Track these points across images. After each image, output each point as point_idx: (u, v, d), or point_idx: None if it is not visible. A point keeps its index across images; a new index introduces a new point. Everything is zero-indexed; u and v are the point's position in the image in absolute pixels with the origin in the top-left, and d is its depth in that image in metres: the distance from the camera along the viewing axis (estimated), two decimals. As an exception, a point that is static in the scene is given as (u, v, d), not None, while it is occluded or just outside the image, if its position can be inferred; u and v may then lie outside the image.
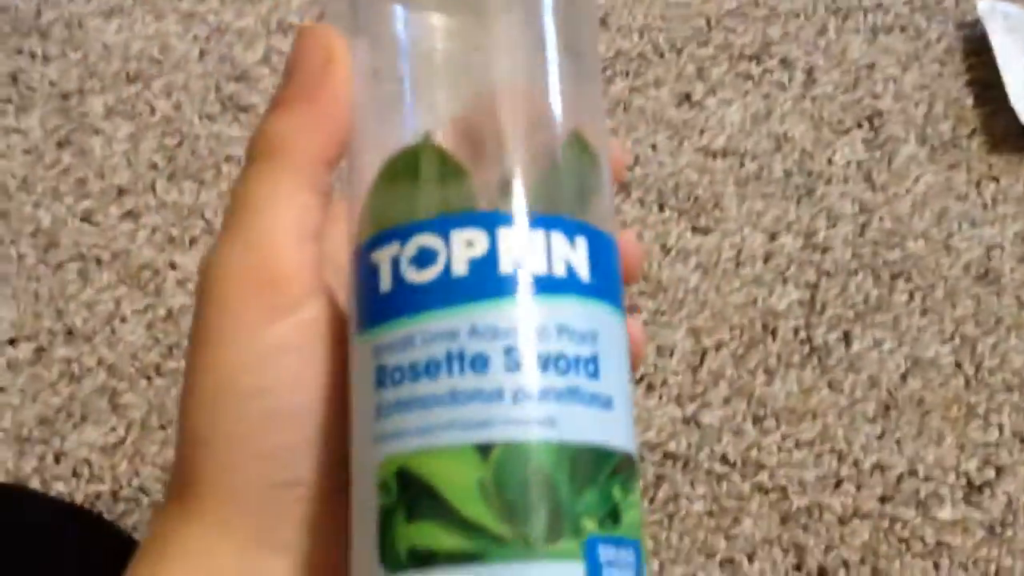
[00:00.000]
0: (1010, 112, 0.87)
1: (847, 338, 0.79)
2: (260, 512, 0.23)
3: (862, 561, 0.70)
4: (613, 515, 0.21)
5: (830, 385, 0.77)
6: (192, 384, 0.23)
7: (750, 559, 0.70)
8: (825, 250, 0.84)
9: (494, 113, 0.23)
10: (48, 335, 0.79)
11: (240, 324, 0.23)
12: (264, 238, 0.23)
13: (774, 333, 0.80)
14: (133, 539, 0.53)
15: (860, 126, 0.91)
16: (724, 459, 0.74)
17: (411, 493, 0.21)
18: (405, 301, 0.22)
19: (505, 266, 0.22)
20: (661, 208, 0.87)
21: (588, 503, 0.21)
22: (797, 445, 0.75)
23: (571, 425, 0.21)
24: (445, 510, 0.20)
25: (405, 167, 0.23)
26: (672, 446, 0.76)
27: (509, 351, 0.21)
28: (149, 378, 0.77)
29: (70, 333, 0.79)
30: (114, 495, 0.72)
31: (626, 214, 0.87)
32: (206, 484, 0.23)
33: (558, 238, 0.22)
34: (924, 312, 0.80)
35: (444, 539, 0.20)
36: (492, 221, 0.22)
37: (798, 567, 0.70)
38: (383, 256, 0.22)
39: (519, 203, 0.22)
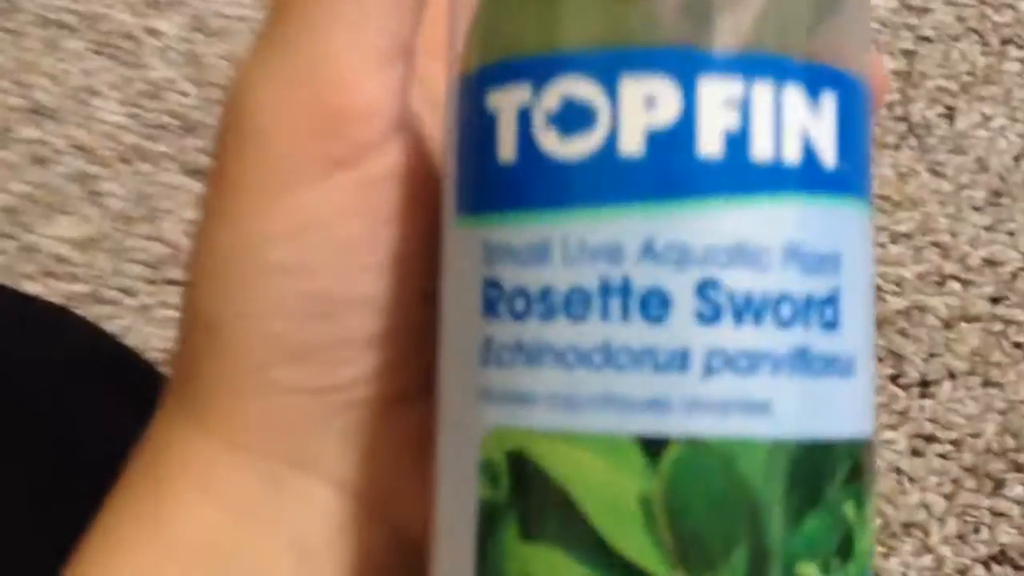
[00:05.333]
0: None
1: (951, 114, 0.73)
2: (288, 424, 0.19)
3: (971, 371, 0.64)
4: (843, 549, 0.16)
5: (931, 169, 0.71)
6: (203, 252, 0.19)
7: (839, 368, 0.62)
8: (924, 11, 0.76)
9: None
10: (11, 113, 0.73)
11: (279, 176, 0.18)
12: (324, 60, 0.18)
13: (864, 109, 0.70)
14: (124, 347, 0.46)
15: None
16: (807, 254, 0.66)
17: (532, 494, 0.16)
18: (537, 184, 0.16)
19: (708, 145, 0.16)
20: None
21: (810, 535, 0.16)
22: (893, 239, 0.68)
23: (794, 411, 0.16)
24: (586, 535, 0.15)
25: None
26: (748, 239, 0.67)
27: (704, 289, 0.16)
28: (129, 162, 0.72)
29: (36, 111, 0.74)
30: (94, 296, 0.67)
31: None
32: (214, 385, 0.19)
33: (795, 96, 0.16)
34: (1040, 84, 0.76)
35: None
36: (689, 66, 0.16)
37: (896, 378, 0.64)
38: (505, 102, 0.17)
39: (732, 35, 0.16)
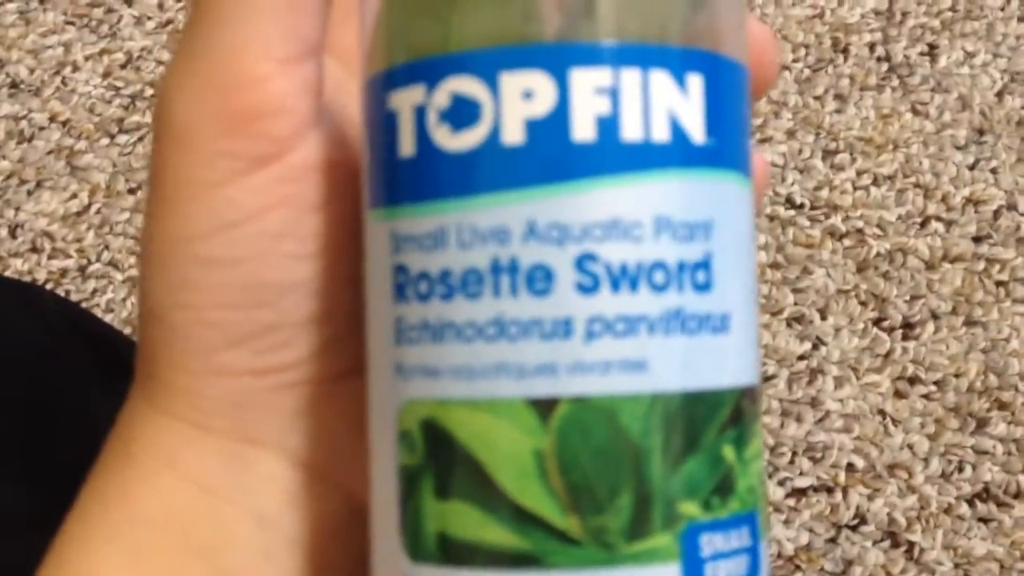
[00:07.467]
0: None
1: (932, 52, 0.72)
2: (239, 404, 0.20)
3: (954, 311, 0.63)
4: (722, 488, 0.18)
5: (913, 109, 0.70)
6: (146, 250, 0.20)
7: (823, 314, 0.64)
8: (905, -52, 0.75)
9: None
10: (-11, 90, 0.73)
11: (201, 175, 0.19)
12: (232, 62, 0.19)
13: (846, 51, 0.71)
14: (107, 326, 0.45)
15: None
16: (790, 201, 0.67)
17: (443, 458, 0.17)
18: (433, 176, 0.18)
19: (581, 130, 0.17)
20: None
21: (689, 478, 0.17)
22: (875, 181, 0.67)
23: (670, 367, 0.17)
24: (489, 489, 0.17)
25: None
26: (729, 188, 0.66)
27: (583, 262, 0.17)
28: (111, 135, 0.71)
29: (15, 86, 0.73)
30: (82, 271, 0.66)
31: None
32: (169, 371, 0.20)
33: (661, 81, 0.17)
34: (1023, 17, 0.73)
35: (487, 530, 0.17)
36: (563, 59, 0.17)
37: (879, 321, 0.63)
38: (402, 102, 0.18)
39: (603, 27, 0.17)
